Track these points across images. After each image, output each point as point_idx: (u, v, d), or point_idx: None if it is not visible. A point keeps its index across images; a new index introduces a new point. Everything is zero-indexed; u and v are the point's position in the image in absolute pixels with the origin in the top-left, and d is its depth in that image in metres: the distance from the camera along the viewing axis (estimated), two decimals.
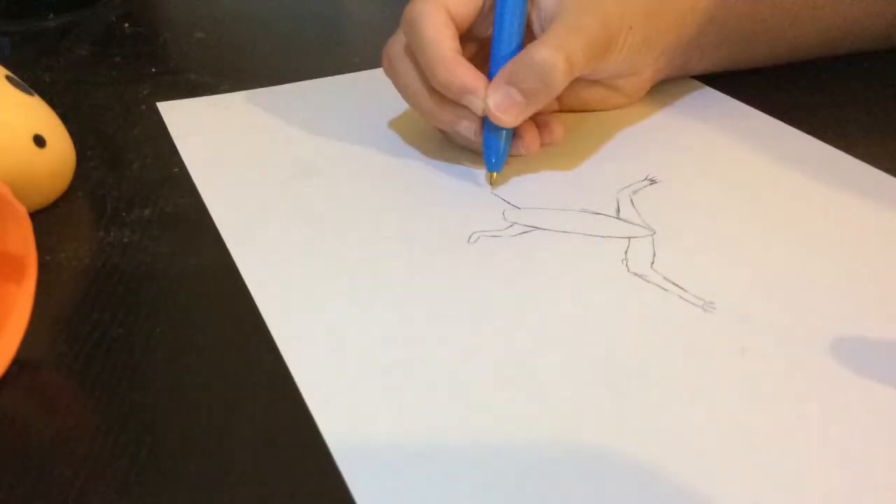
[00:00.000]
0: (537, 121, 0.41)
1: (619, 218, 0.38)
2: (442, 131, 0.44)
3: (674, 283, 0.34)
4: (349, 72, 0.53)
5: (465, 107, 0.39)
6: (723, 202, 0.40)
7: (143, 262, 0.36)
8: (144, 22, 0.63)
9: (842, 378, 0.30)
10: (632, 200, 0.40)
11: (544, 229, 0.38)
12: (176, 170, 0.43)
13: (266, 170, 0.43)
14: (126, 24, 0.62)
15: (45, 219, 0.39)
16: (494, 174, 0.41)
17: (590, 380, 0.30)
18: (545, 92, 0.38)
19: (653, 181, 0.41)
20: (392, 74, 0.42)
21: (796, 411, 0.29)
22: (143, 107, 0.50)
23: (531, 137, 0.41)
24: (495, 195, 0.40)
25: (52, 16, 0.63)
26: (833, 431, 0.28)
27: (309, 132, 0.46)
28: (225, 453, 0.28)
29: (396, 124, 0.47)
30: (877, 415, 0.28)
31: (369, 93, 0.50)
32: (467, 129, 0.40)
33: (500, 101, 0.38)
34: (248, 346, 0.32)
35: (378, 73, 0.51)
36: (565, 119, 0.45)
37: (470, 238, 0.37)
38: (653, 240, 0.37)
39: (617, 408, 0.29)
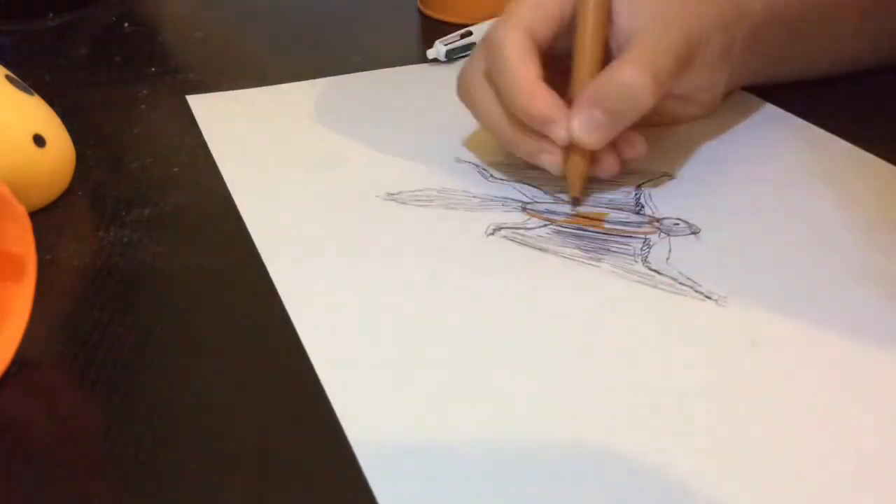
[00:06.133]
0: (616, 139, 0.39)
1: (637, 213, 0.39)
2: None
3: (688, 278, 0.35)
4: (349, 71, 0.53)
5: (546, 137, 0.38)
6: (739, 198, 0.40)
7: (143, 262, 0.36)
8: (144, 22, 0.63)
9: (852, 372, 0.30)
10: (650, 195, 0.40)
11: (562, 224, 0.38)
12: (176, 169, 0.43)
13: (292, 160, 0.44)
14: (126, 24, 0.62)
15: (45, 218, 0.39)
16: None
17: (603, 374, 0.30)
18: (631, 113, 0.37)
19: (670, 176, 0.41)
20: (469, 101, 0.41)
21: (805, 404, 0.29)
22: (143, 107, 0.50)
23: (611, 160, 0.39)
24: (514, 188, 0.41)
25: (52, 16, 0.63)
26: (842, 425, 0.28)
27: (335, 125, 0.47)
28: (225, 452, 0.28)
29: (421, 119, 0.47)
30: (886, 410, 0.28)
31: (391, 88, 0.51)
32: (550, 163, 0.39)
33: (583, 123, 0.36)
34: (248, 344, 0.32)
35: (401, 71, 0.53)
36: None
37: (487, 231, 0.38)
38: (669, 235, 0.37)
39: (630, 402, 0.29)
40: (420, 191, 0.41)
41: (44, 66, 0.55)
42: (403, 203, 0.40)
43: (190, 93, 0.50)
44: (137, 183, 0.42)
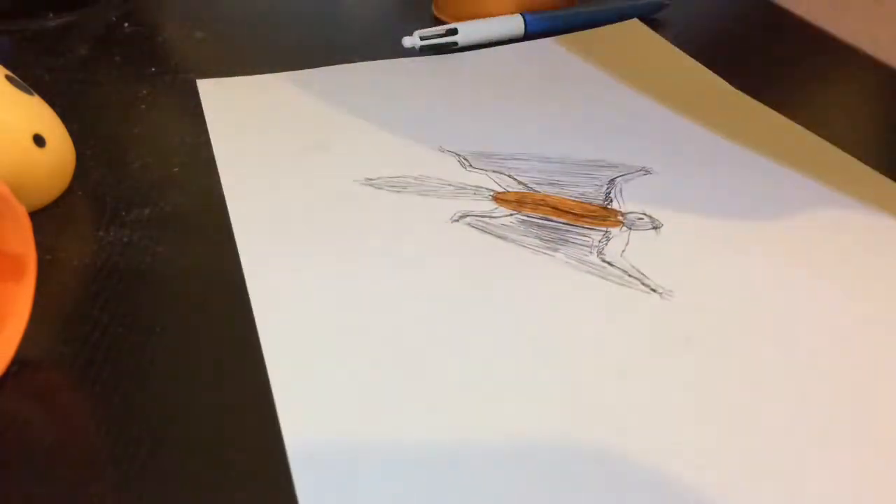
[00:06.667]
0: None
1: (604, 206, 0.39)
2: None
3: (638, 271, 0.35)
4: None
5: None
6: (711, 198, 0.40)
7: (143, 262, 0.36)
8: (144, 22, 0.63)
9: (778, 374, 0.30)
10: (621, 190, 0.40)
11: (528, 213, 0.39)
12: (176, 169, 0.43)
13: (280, 146, 0.45)
14: (126, 24, 0.62)
15: (45, 218, 0.39)
16: None
17: (537, 363, 0.31)
18: None
19: (647, 172, 0.42)
20: None
21: (729, 404, 0.29)
22: (143, 107, 0.50)
23: None
24: (489, 177, 0.41)
25: (52, 16, 0.63)
26: (756, 420, 0.28)
27: (335, 112, 0.48)
28: (225, 453, 0.28)
29: (416, 108, 0.48)
30: (813, 419, 0.29)
31: (396, 77, 0.52)
32: None
33: None
34: (249, 345, 0.32)
35: (409, 61, 0.54)
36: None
37: (452, 217, 0.39)
38: (631, 230, 0.38)
39: (559, 394, 0.29)
40: (397, 177, 0.42)
41: (44, 66, 0.55)
42: (378, 188, 0.41)
43: (190, 93, 0.50)
44: (137, 183, 0.42)
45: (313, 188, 0.41)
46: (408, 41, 0.54)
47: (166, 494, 0.26)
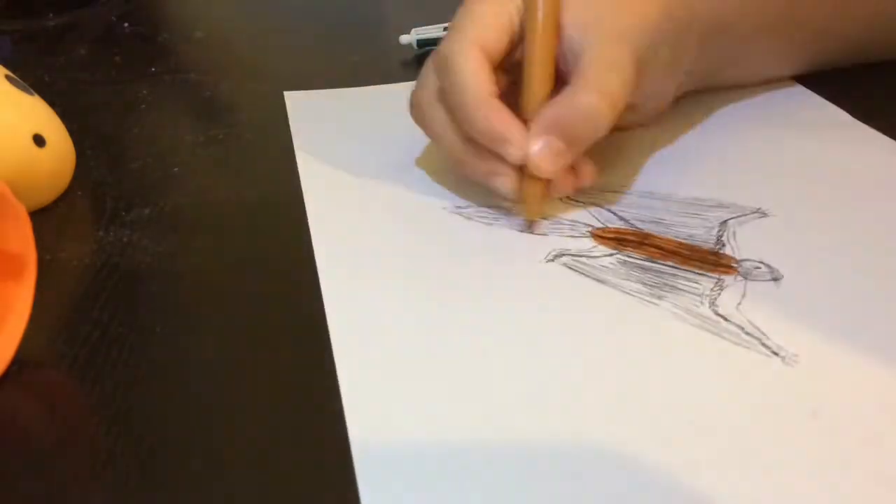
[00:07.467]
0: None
1: (716, 252, 0.35)
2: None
3: (757, 328, 0.31)
4: (348, 69, 0.53)
5: (500, 159, 0.36)
6: (837, 244, 0.35)
7: (143, 262, 0.36)
8: (144, 22, 0.63)
9: None
10: (734, 233, 0.36)
11: (630, 253, 0.36)
12: (176, 169, 0.43)
13: (368, 162, 0.42)
14: (126, 24, 0.62)
15: (45, 218, 0.39)
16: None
17: (642, 435, 0.27)
18: (589, 138, 0.35)
19: (763, 214, 0.38)
20: (421, 121, 0.39)
21: (861, 487, 0.25)
22: (143, 106, 0.50)
23: (565, 180, 0.37)
24: (588, 211, 0.38)
25: (52, 16, 0.63)
26: None
27: (418, 131, 0.44)
28: (225, 453, 0.28)
29: None
30: None
31: None
32: (504, 186, 0.37)
33: (541, 149, 0.35)
34: (249, 345, 0.32)
35: None
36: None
37: (547, 256, 0.36)
38: (747, 279, 0.34)
39: (667, 459, 0.26)
40: (489, 207, 0.39)
41: (44, 66, 0.55)
42: (468, 219, 0.38)
43: (189, 92, 0.50)
44: (137, 183, 0.42)
45: (398, 210, 0.39)
46: (405, 39, 0.55)
47: (166, 494, 0.26)
